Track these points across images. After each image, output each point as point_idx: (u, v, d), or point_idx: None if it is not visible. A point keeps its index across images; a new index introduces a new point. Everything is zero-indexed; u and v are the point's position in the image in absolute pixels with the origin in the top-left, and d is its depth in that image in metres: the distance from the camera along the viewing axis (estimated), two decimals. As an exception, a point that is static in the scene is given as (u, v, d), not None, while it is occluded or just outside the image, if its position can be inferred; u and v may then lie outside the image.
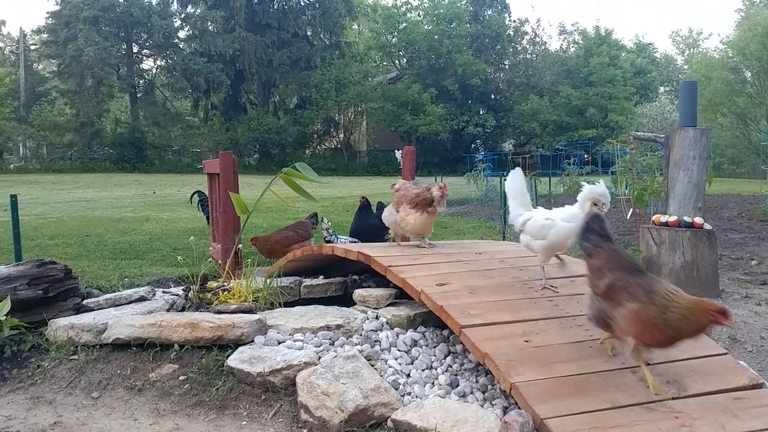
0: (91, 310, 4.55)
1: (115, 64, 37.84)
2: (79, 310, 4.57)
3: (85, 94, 36.65)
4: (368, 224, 7.38)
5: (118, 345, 4.00)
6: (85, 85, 36.65)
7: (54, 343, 4.16)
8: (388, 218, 4.96)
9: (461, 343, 3.62)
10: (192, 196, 9.23)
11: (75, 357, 3.99)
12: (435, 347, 3.87)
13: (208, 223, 7.72)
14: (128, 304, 4.66)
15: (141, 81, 41.27)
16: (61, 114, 38.48)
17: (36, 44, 43.45)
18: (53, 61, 40.82)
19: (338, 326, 4.03)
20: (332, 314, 4.24)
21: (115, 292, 5.06)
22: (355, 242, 6.79)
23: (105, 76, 36.20)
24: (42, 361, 4.00)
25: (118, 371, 3.83)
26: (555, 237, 3.90)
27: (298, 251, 5.24)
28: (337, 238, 6.92)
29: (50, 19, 37.71)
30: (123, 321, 4.07)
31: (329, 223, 7.11)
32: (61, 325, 4.20)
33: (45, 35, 39.55)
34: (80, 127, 36.38)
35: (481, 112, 43.71)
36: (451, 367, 3.68)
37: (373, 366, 3.56)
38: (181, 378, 3.70)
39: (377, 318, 4.17)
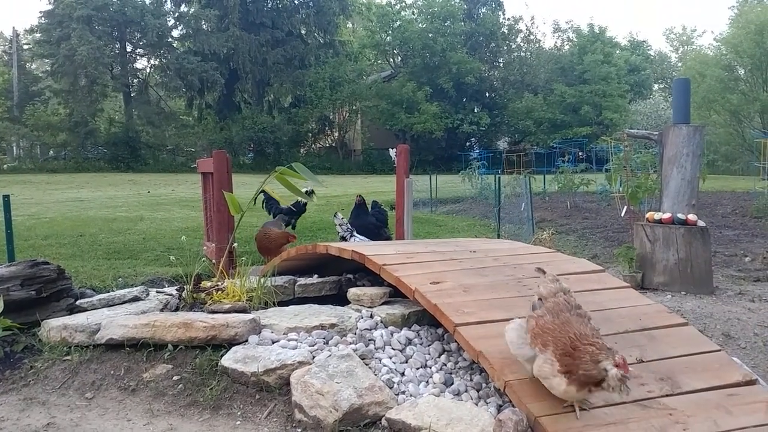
0: (85, 310, 4.54)
1: (109, 63, 37.63)
2: (73, 310, 4.55)
3: (79, 93, 36.44)
4: (365, 223, 7.38)
5: (111, 345, 3.99)
6: (79, 85, 36.44)
7: (47, 343, 4.15)
8: (515, 346, 2.98)
9: (456, 341, 3.62)
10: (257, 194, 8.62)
11: (68, 358, 3.98)
12: (429, 346, 3.86)
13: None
14: (122, 304, 4.65)
15: (135, 80, 41.10)
16: (55, 114, 38.27)
17: (29, 44, 43.22)
18: (46, 60, 40.65)
19: (332, 325, 4.03)
20: (326, 313, 4.23)
21: (108, 292, 5.04)
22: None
23: (98, 75, 35.96)
24: (35, 361, 3.99)
25: (112, 372, 3.82)
26: None
27: (292, 250, 5.23)
28: (353, 235, 6.90)
29: (43, 18, 37.51)
30: (116, 321, 4.06)
31: (343, 218, 7.06)
32: (54, 326, 4.19)
33: (38, 35, 39.29)
34: (74, 127, 36.19)
35: (475, 110, 43.71)
36: (446, 365, 3.68)
37: (367, 365, 3.56)
38: (175, 378, 3.69)
39: (371, 317, 4.17)
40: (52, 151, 38.60)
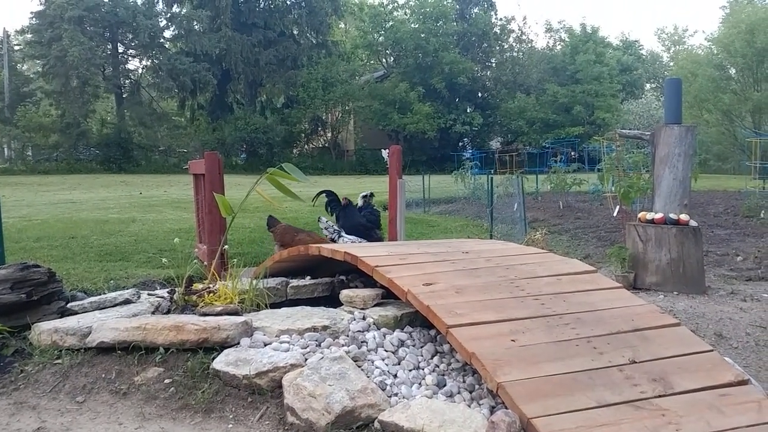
0: (76, 313, 4.50)
1: (101, 64, 37.54)
2: (64, 313, 4.51)
3: (71, 94, 36.32)
4: (355, 223, 7.37)
5: (102, 349, 3.96)
6: (71, 86, 36.31)
7: (38, 347, 4.12)
8: None
9: (448, 343, 3.61)
10: (317, 196, 8.10)
11: (59, 361, 3.95)
12: (422, 347, 3.85)
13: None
14: (113, 307, 4.61)
15: (127, 81, 40.97)
16: (47, 115, 38.11)
17: (20, 44, 43.07)
18: (38, 61, 40.49)
19: (325, 327, 4.01)
20: (319, 315, 4.22)
21: (100, 294, 5.01)
22: (359, 242, 6.76)
23: (90, 76, 35.88)
24: (25, 365, 3.96)
25: (103, 375, 3.79)
26: None
27: (284, 252, 5.22)
28: (341, 236, 6.88)
29: (34, 19, 37.37)
30: (107, 324, 4.04)
31: (328, 221, 7.06)
32: (45, 329, 4.16)
33: (29, 35, 39.16)
34: (66, 128, 36.07)
35: (468, 111, 43.76)
36: (438, 367, 3.67)
37: (359, 367, 3.55)
38: (167, 381, 3.67)
39: (364, 318, 4.16)
40: (30, 153, 38.30)
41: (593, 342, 3.43)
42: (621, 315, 3.76)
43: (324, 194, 7.96)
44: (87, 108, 37.68)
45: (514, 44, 48.86)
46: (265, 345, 3.83)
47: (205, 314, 4.19)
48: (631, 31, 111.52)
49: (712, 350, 3.58)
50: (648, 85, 54.87)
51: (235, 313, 4.22)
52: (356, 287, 4.79)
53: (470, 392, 3.40)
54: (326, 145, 44.50)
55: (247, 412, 3.41)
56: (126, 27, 37.56)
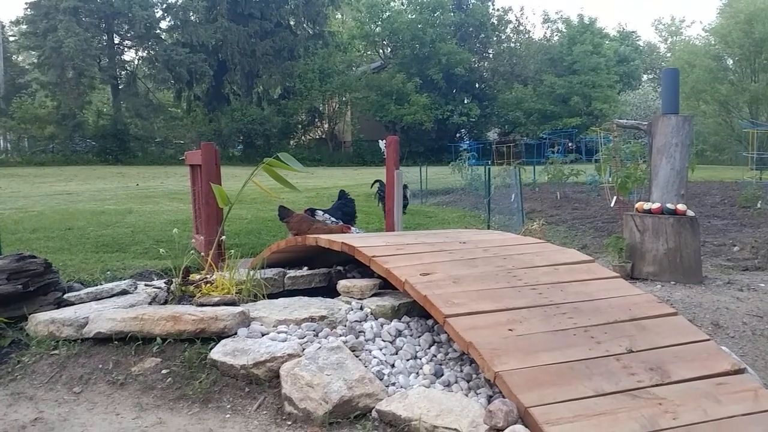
0: (72, 304, 4.50)
1: (96, 55, 37.38)
2: (60, 304, 4.51)
3: (66, 86, 36.18)
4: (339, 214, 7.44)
5: (99, 339, 3.96)
6: (66, 77, 36.17)
7: (34, 338, 4.11)
8: None
9: (446, 332, 3.61)
10: (373, 184, 8.72)
11: (56, 352, 3.94)
12: (419, 337, 3.86)
13: (384, 212, 7.61)
14: (110, 297, 4.61)
15: (123, 72, 40.84)
16: (42, 106, 37.93)
17: (15, 35, 42.86)
18: (33, 52, 40.31)
19: (322, 317, 4.01)
20: (316, 305, 4.22)
21: (97, 285, 5.00)
22: (356, 232, 6.80)
23: (86, 67, 35.74)
24: (22, 356, 3.96)
25: (100, 366, 3.79)
26: None
27: (282, 242, 5.21)
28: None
29: (29, 10, 37.18)
30: (104, 315, 4.03)
31: (324, 215, 7.09)
32: (42, 320, 4.15)
33: (24, 26, 39.01)
34: (62, 120, 35.93)
35: (465, 102, 43.70)
36: (436, 356, 3.68)
37: (357, 357, 3.55)
38: (164, 371, 3.67)
39: (361, 308, 4.16)
40: (26, 145, 38.10)
41: (590, 331, 3.44)
42: (618, 304, 3.76)
43: (378, 183, 8.39)
44: (83, 99, 37.55)
45: (511, 35, 48.82)
46: (263, 335, 3.83)
47: (202, 305, 4.18)
48: (629, 21, 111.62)
49: (708, 339, 3.59)
50: (645, 76, 54.88)
51: (233, 303, 4.22)
52: (353, 278, 4.80)
53: (468, 381, 3.41)
54: (323, 136, 44.40)
55: (245, 402, 3.41)
56: (122, 17, 37.38)
